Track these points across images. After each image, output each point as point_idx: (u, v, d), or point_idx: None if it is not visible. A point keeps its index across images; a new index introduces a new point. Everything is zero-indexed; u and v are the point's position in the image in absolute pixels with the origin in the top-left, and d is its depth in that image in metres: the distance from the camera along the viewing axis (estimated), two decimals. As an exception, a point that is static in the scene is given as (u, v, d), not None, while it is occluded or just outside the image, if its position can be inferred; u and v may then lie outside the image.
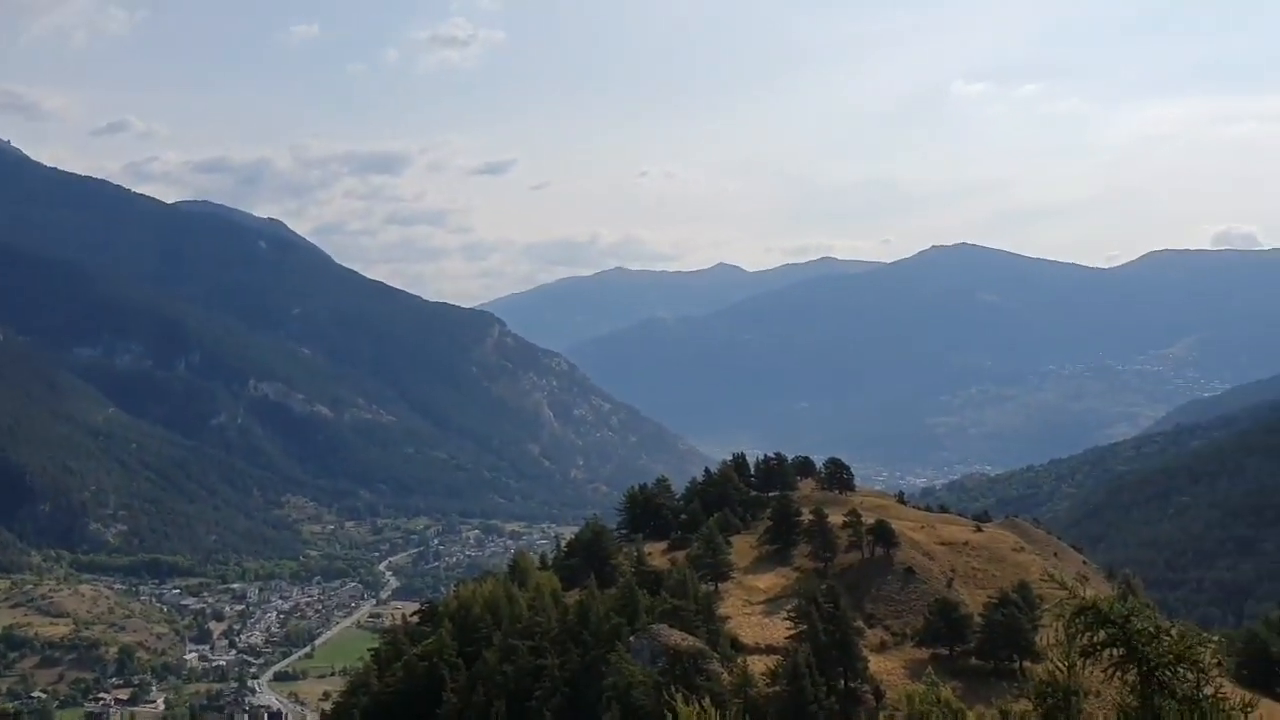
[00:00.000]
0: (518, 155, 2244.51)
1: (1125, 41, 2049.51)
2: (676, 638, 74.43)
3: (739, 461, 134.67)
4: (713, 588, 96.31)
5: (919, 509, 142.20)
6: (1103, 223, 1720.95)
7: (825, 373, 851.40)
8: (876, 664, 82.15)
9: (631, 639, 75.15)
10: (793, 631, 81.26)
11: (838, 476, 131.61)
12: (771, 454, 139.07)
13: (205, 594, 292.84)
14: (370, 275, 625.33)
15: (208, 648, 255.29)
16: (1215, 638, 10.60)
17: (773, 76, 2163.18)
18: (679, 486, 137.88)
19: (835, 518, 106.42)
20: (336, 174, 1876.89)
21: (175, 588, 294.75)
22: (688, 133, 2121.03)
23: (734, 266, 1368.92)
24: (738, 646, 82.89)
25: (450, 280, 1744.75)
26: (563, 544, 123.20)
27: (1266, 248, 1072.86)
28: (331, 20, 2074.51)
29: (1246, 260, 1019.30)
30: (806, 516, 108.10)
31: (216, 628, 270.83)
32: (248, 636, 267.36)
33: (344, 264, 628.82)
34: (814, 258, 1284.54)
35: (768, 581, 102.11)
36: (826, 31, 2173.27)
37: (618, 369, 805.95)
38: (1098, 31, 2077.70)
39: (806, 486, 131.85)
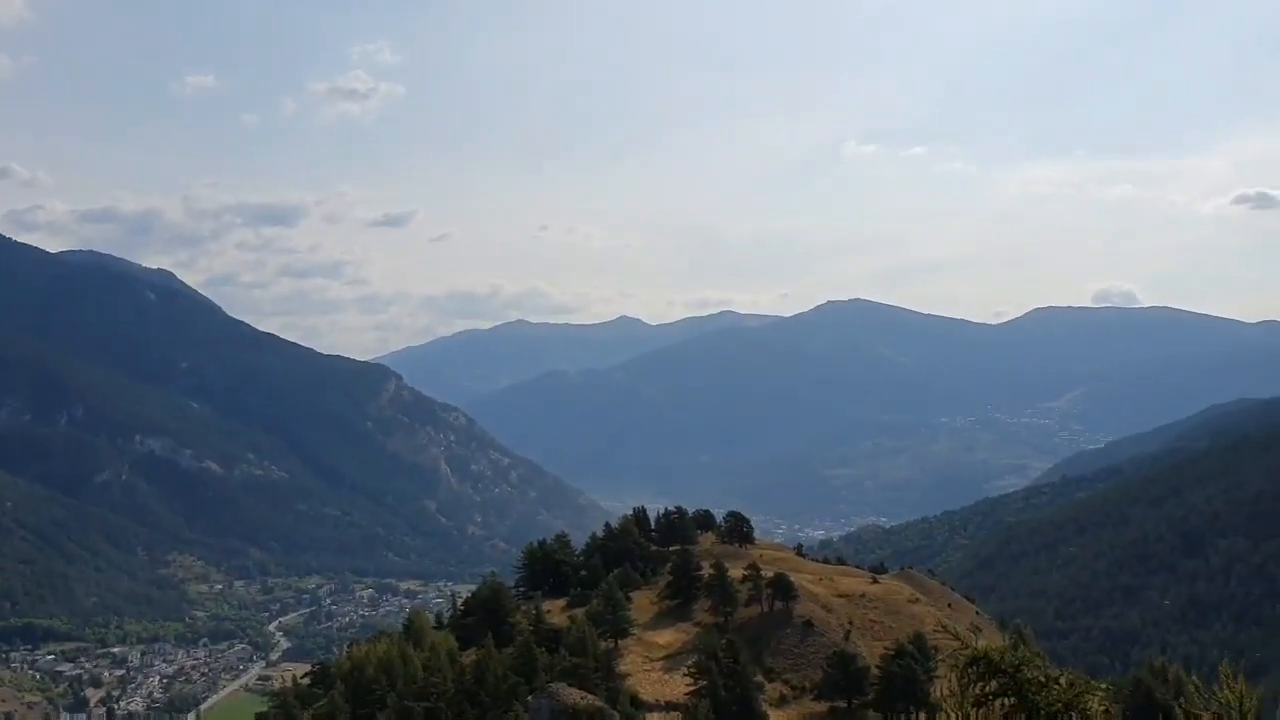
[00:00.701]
0: (417, 207, 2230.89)
1: (1008, 106, 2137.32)
2: (575, 696, 73.32)
3: (639, 516, 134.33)
4: (613, 645, 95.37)
5: (817, 561, 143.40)
6: (990, 279, 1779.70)
7: (725, 425, 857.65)
8: (776, 718, 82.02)
9: (530, 699, 73.80)
10: (693, 688, 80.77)
11: (738, 530, 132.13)
12: (672, 508, 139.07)
13: (83, 659, 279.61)
14: (263, 328, 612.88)
15: (84, 717, 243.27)
16: (1103, 685, 10.68)
17: (673, 133, 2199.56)
18: (579, 542, 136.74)
19: (735, 571, 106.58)
20: (229, 225, 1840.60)
21: (50, 653, 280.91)
22: (590, 186, 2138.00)
23: (635, 319, 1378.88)
24: (638, 704, 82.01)
25: (345, 333, 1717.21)
26: (459, 602, 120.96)
27: (1144, 305, 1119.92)
28: (228, 70, 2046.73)
29: (1126, 316, 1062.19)
30: (707, 571, 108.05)
31: (94, 695, 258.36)
32: (128, 703, 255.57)
33: (236, 316, 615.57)
34: (715, 311, 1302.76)
35: (668, 637, 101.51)
36: (724, 91, 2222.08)
37: (518, 423, 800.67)
38: (983, 97, 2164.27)
39: (707, 540, 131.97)
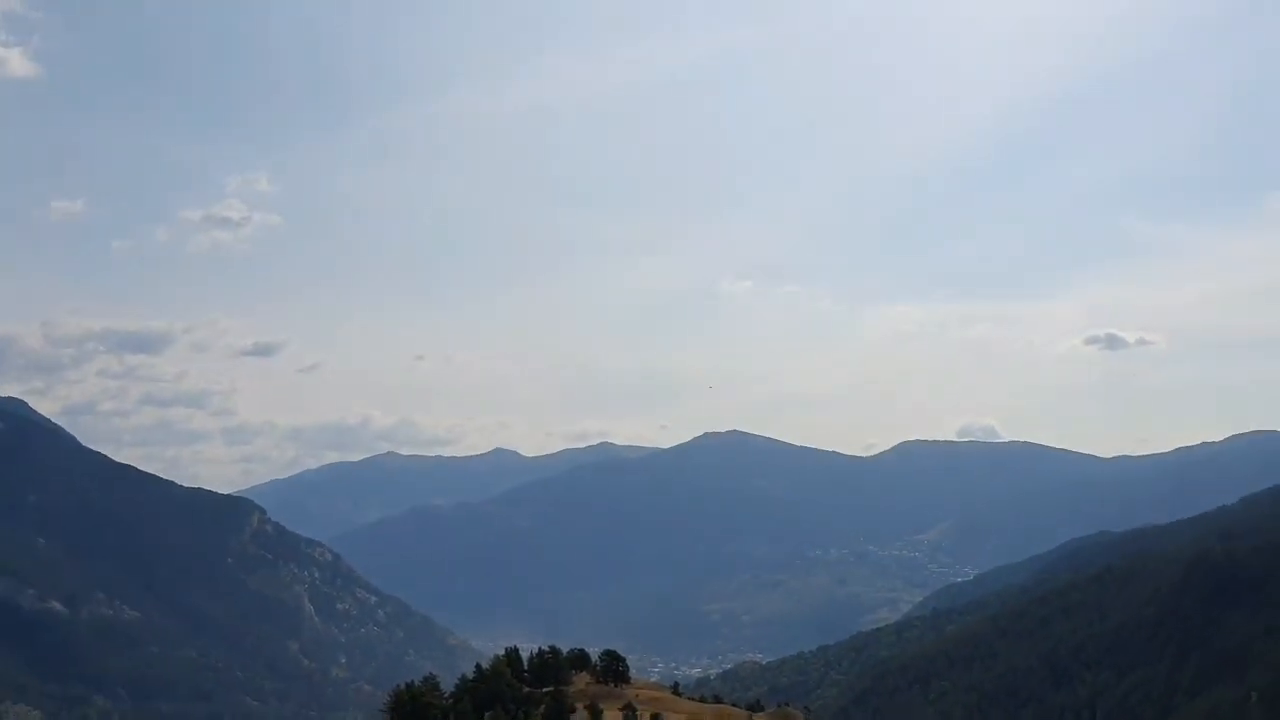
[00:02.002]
0: (289, 336, 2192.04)
1: (875, 247, 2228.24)
2: None
3: (512, 656, 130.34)
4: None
5: (694, 700, 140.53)
6: (861, 412, 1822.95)
7: (603, 560, 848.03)
8: None
9: None
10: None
11: (613, 669, 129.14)
12: (546, 647, 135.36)
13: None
14: (120, 459, 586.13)
15: None
16: None
17: (552, 266, 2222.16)
18: (448, 684, 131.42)
19: (611, 713, 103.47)
20: (91, 352, 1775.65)
21: None
22: (468, 316, 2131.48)
23: (512, 451, 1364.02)
24: None
25: (208, 465, 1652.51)
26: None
27: (1005, 440, 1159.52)
28: (98, 197, 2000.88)
29: (988, 450, 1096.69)
30: (581, 713, 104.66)
31: None
32: None
33: (92, 446, 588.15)
34: (593, 442, 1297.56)
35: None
36: (601, 227, 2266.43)
37: (387, 559, 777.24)
38: (849, 238, 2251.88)
39: (581, 680, 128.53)
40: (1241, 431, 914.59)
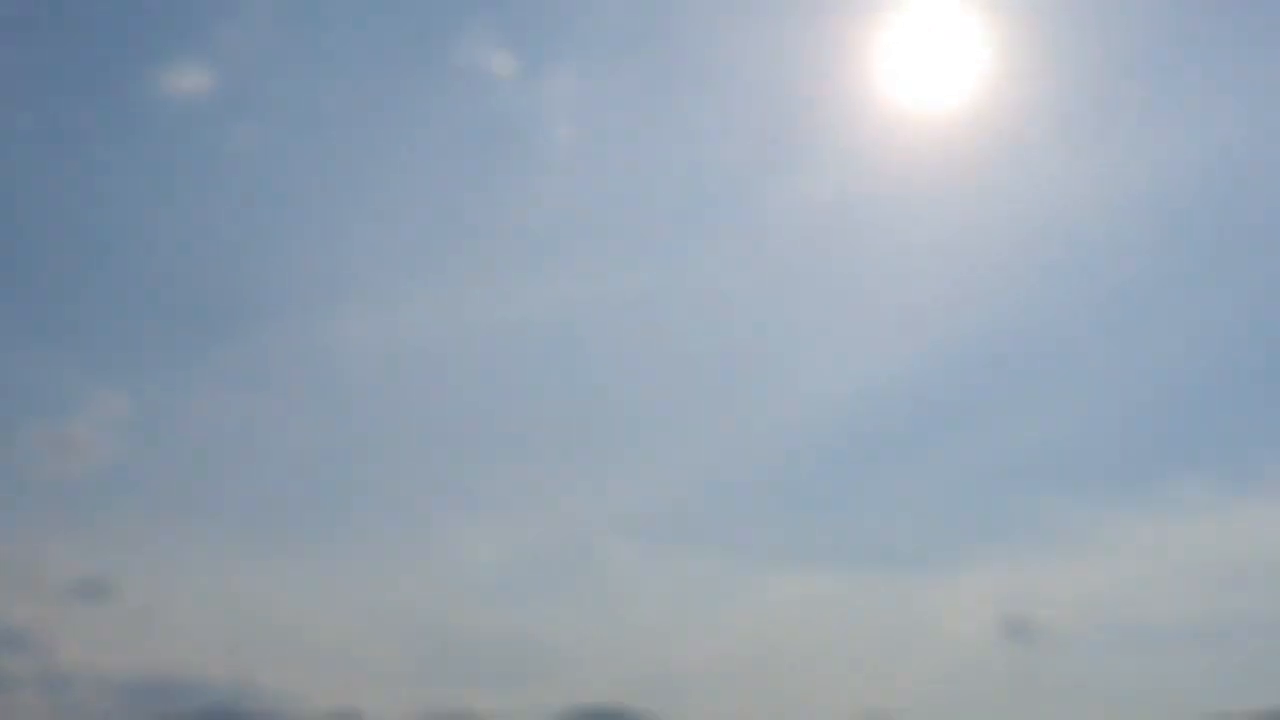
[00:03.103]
0: (123, 576, 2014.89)
1: (771, 509, 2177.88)
2: None
3: None
4: None
5: None
6: (750, 692, 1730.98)
7: None
8: None
9: None
10: None
11: None
12: None
13: None
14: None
15: None
16: None
17: (415, 520, 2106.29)
18: None
19: None
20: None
21: None
22: (322, 569, 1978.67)
23: (364, 717, 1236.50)
24: None
25: (20, 715, 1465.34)
26: None
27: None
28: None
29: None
30: None
31: None
32: None
33: None
34: (454, 711, 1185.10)
35: None
36: (471, 477, 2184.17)
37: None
38: (744, 498, 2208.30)
39: None
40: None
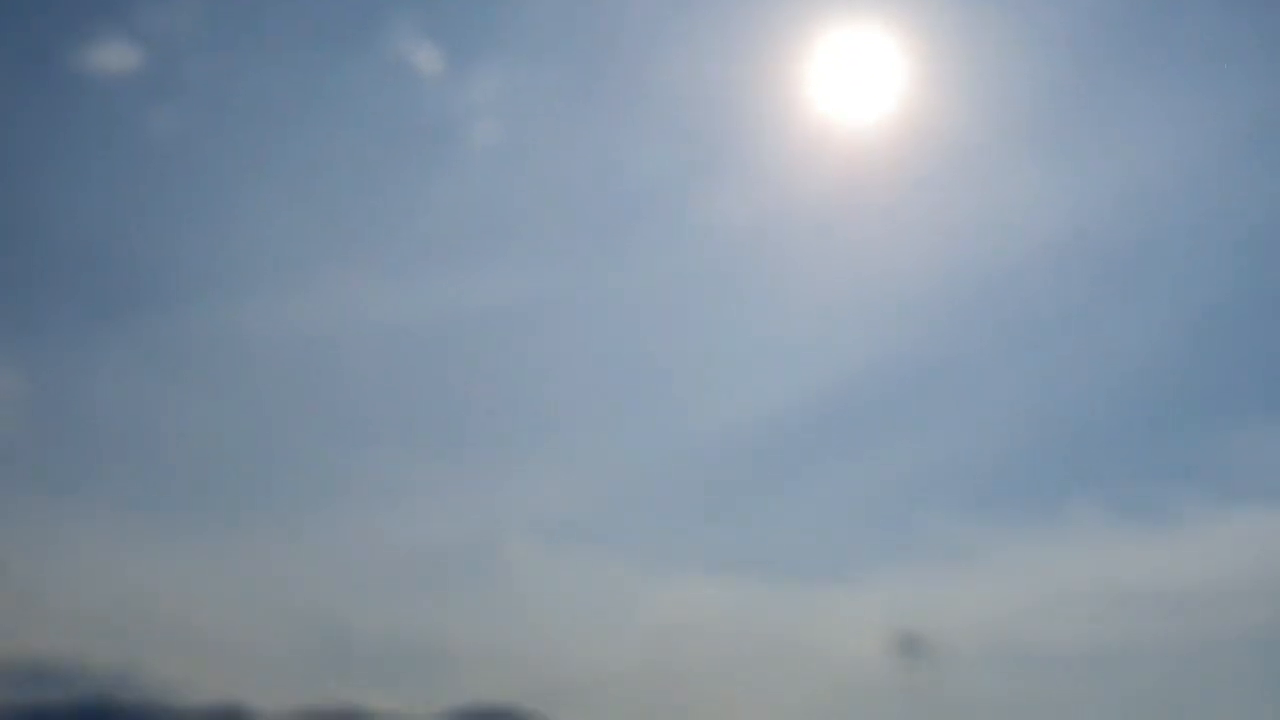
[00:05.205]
0: (2, 558, 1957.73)
1: (675, 516, 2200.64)
2: None
3: None
4: None
5: None
6: (646, 701, 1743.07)
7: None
8: None
9: None
10: None
11: None
12: None
13: None
14: None
15: None
16: None
17: (309, 508, 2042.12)
18: None
19: None
20: None
21: None
22: (209, 557, 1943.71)
23: (249, 710, 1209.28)
24: None
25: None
26: None
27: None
28: None
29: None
30: None
31: None
32: None
33: None
34: (344, 707, 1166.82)
35: None
36: (370, 474, 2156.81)
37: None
38: (649, 502, 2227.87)
39: None
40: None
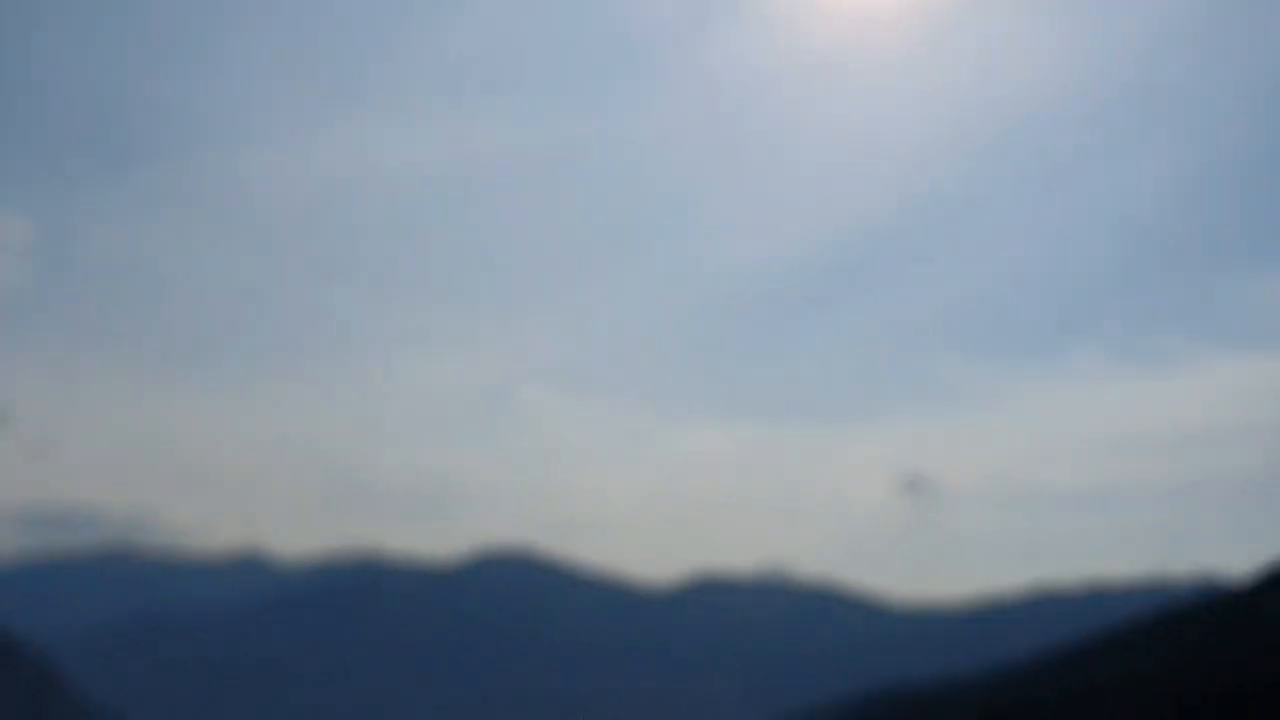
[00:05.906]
0: (17, 407, 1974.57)
1: (686, 364, 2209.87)
2: None
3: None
4: None
5: None
6: (658, 537, 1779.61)
7: (368, 688, 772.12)
8: None
9: None
10: None
11: None
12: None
13: None
14: None
15: None
16: None
17: (327, 354, 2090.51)
18: None
19: None
20: None
21: None
22: (230, 402, 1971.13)
23: (267, 554, 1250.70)
24: None
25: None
26: None
27: (802, 578, 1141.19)
28: None
29: (786, 587, 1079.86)
30: None
31: None
32: None
33: None
34: (360, 549, 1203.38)
35: None
36: (389, 316, 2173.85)
37: (110, 666, 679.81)
38: (659, 352, 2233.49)
39: None
40: (1039, 583, 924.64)
